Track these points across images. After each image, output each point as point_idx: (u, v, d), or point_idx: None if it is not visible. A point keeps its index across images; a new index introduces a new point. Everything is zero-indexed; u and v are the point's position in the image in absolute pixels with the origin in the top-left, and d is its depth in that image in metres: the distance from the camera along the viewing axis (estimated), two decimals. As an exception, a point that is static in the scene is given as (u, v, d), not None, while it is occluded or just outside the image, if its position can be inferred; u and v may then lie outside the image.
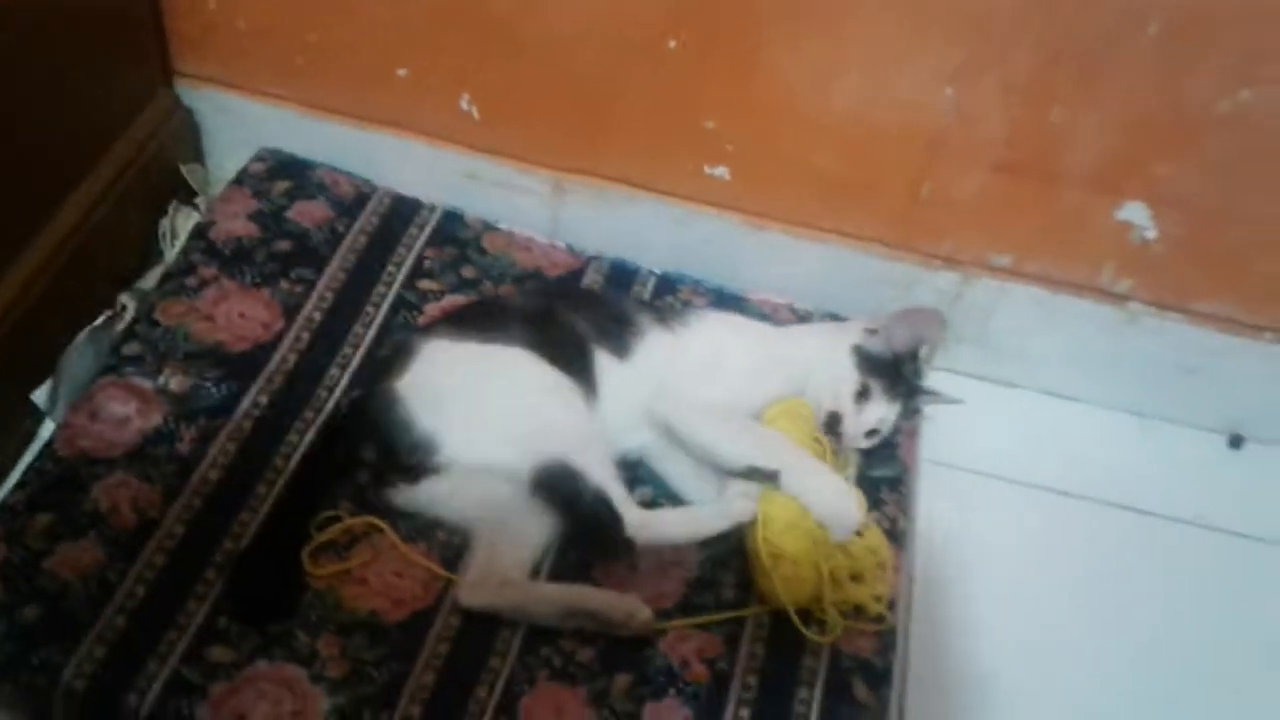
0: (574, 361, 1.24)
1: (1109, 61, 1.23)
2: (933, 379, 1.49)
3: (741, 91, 1.36)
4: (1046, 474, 1.49)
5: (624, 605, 1.13)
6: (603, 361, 1.26)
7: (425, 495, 1.18)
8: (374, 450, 1.19)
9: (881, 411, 1.28)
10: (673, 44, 1.33)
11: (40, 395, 1.30)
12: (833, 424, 1.26)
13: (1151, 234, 1.37)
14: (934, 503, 1.42)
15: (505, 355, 1.22)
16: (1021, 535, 1.43)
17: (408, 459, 1.17)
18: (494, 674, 1.10)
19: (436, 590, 1.15)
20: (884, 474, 1.33)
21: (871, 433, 1.29)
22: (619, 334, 1.27)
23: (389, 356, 1.27)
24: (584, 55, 1.37)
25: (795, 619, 1.15)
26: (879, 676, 1.15)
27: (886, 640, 1.18)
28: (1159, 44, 1.21)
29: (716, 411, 1.23)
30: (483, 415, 1.18)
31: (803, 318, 1.48)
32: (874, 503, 1.29)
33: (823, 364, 1.29)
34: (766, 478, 1.18)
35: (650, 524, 1.19)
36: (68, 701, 1.03)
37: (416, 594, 1.15)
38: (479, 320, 1.27)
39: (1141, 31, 1.20)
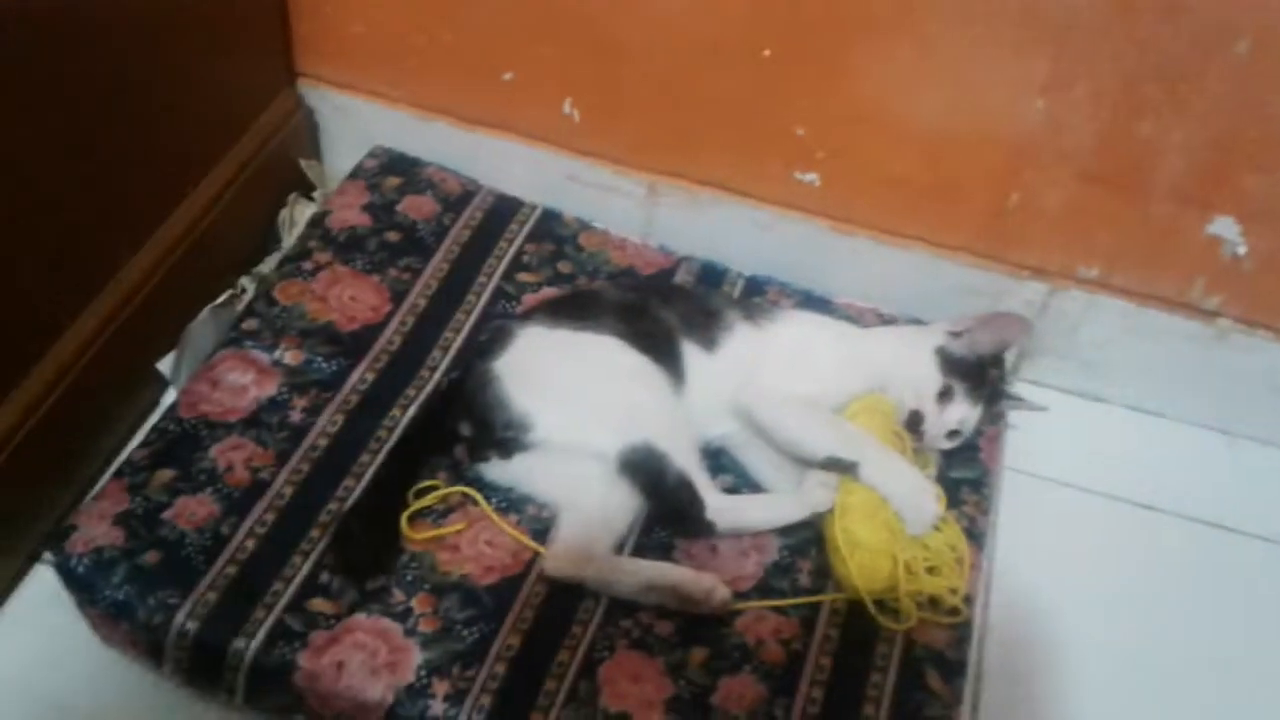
0: (663, 352, 1.29)
1: (1197, 75, 1.25)
2: (1018, 390, 1.52)
3: (831, 100, 1.40)
4: (1131, 488, 1.49)
5: (703, 583, 1.17)
6: (690, 353, 1.30)
7: (517, 470, 1.24)
8: (470, 426, 1.26)
9: (963, 413, 1.31)
10: (766, 53, 1.38)
11: (165, 364, 1.39)
12: (914, 423, 1.29)
13: (1242, 250, 1.38)
14: (1017, 510, 1.43)
15: (597, 342, 1.28)
16: (1103, 546, 1.43)
17: (502, 435, 1.23)
18: (576, 640, 1.15)
19: (525, 559, 1.20)
20: (965, 475, 1.35)
21: (953, 434, 1.32)
22: (707, 327, 1.32)
23: (487, 339, 1.33)
24: (680, 63, 1.43)
25: (870, 606, 1.18)
26: (952, 668, 1.17)
27: (961, 633, 1.20)
28: (1249, 59, 1.22)
29: (799, 404, 1.27)
30: (574, 397, 1.24)
31: (888, 323, 1.51)
32: (954, 502, 1.31)
33: (905, 364, 1.32)
34: (846, 469, 1.22)
35: (731, 509, 1.23)
36: (179, 641, 1.10)
37: (506, 562, 1.20)
38: (573, 309, 1.33)
39: (1230, 46, 1.22)
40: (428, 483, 1.24)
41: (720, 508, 1.21)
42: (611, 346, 1.28)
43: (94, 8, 1.19)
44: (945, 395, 1.30)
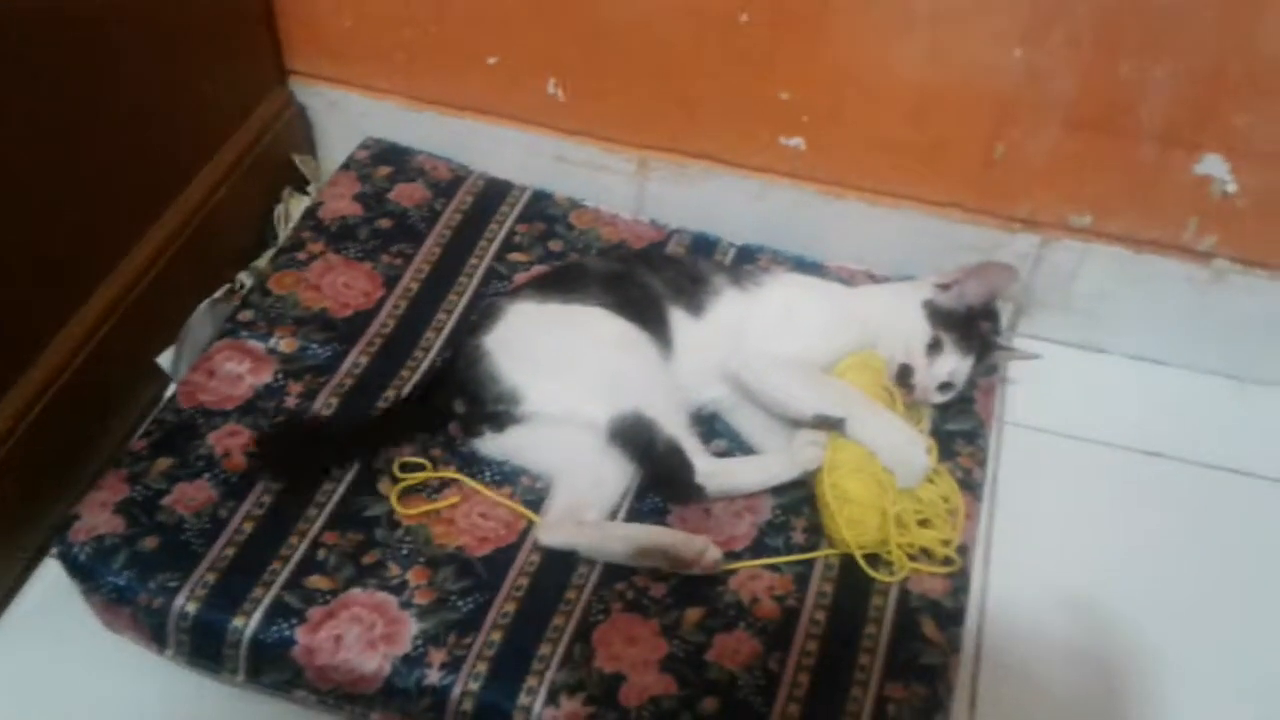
0: (650, 318, 1.29)
1: (1174, 10, 1.24)
2: (1018, 345, 1.51)
3: (812, 62, 1.40)
4: (1136, 436, 1.48)
5: (694, 544, 1.17)
6: (677, 318, 1.31)
7: (510, 443, 1.25)
8: (463, 402, 1.27)
9: (953, 364, 1.30)
10: (744, 18, 1.39)
11: (164, 359, 1.42)
12: (904, 376, 1.29)
13: (1231, 188, 1.36)
14: (1021, 464, 1.43)
15: (584, 313, 1.29)
16: (1110, 496, 1.42)
17: (493, 408, 1.24)
18: (571, 605, 1.15)
19: (519, 529, 1.21)
20: (960, 427, 1.34)
21: (945, 386, 1.31)
22: (693, 292, 1.32)
23: (478, 317, 1.34)
24: (659, 34, 1.43)
25: (861, 560, 1.18)
26: (949, 616, 1.17)
27: (958, 582, 1.20)
28: (1226, -12, 1.21)
29: (786, 365, 1.27)
30: (562, 368, 1.25)
31: (879, 283, 1.50)
32: (948, 454, 1.31)
33: (894, 319, 1.32)
34: (834, 425, 1.22)
35: (720, 472, 1.23)
36: (180, 622, 1.12)
37: (500, 533, 1.21)
38: (561, 283, 1.34)
39: (1207, -24, 1.21)
40: (415, 459, 1.25)
41: (710, 471, 1.22)
42: (598, 316, 1.28)
43: (84, 9, 1.22)
44: (934, 348, 1.29)
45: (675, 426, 1.22)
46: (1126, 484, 1.44)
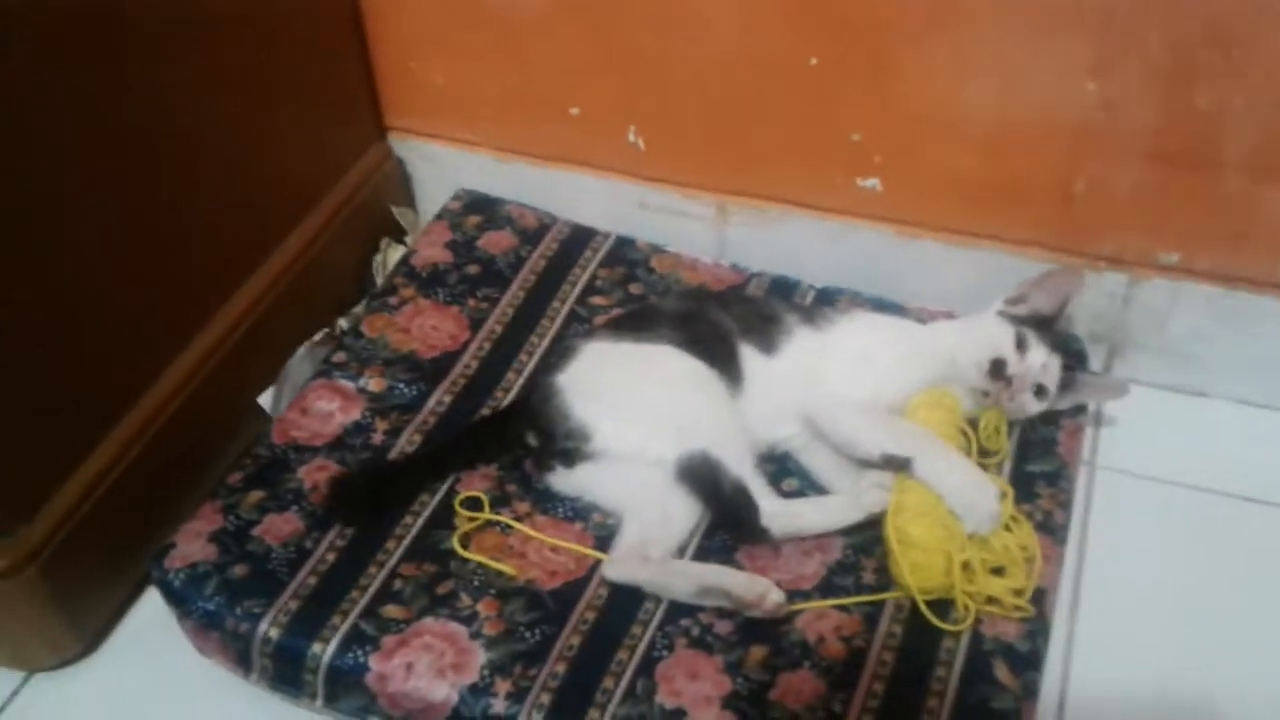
0: (720, 356, 1.31)
1: (1250, 36, 1.21)
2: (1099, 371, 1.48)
3: (881, 102, 1.41)
4: (1238, 482, 1.41)
5: (756, 587, 1.17)
6: (748, 356, 1.32)
7: (580, 479, 1.28)
8: (536, 437, 1.30)
9: (1044, 357, 1.28)
10: (813, 61, 1.41)
11: (265, 399, 1.49)
12: (998, 370, 1.27)
13: (1328, 221, 1.32)
14: (1114, 509, 1.39)
15: (655, 352, 1.31)
16: (1210, 543, 1.36)
17: (563, 445, 1.27)
18: (635, 640, 1.17)
19: (588, 564, 1.23)
20: (1041, 469, 1.31)
21: (1040, 392, 1.29)
22: (766, 331, 1.34)
23: (554, 356, 1.38)
24: (730, 80, 1.46)
25: (923, 605, 1.16)
26: (1023, 660, 1.14)
27: (1034, 626, 1.16)
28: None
29: (857, 404, 1.26)
30: (631, 406, 1.27)
31: (956, 322, 1.49)
32: (1028, 496, 1.28)
33: (971, 338, 1.31)
34: (901, 466, 1.21)
35: (785, 514, 1.24)
36: (264, 647, 1.17)
37: (570, 567, 1.23)
38: (634, 323, 1.37)
39: (1283, 2, 1.18)
40: (472, 494, 1.29)
41: (775, 513, 1.22)
42: (668, 355, 1.30)
43: (203, 81, 1.34)
44: (1021, 343, 1.28)
45: (742, 466, 1.23)
46: (1225, 531, 1.37)
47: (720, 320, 1.34)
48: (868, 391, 1.28)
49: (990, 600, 1.16)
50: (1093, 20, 1.26)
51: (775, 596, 1.16)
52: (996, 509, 1.18)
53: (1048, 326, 1.31)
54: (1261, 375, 1.47)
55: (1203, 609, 1.29)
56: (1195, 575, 1.32)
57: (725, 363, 1.31)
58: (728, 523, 1.24)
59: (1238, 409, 1.51)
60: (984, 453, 1.28)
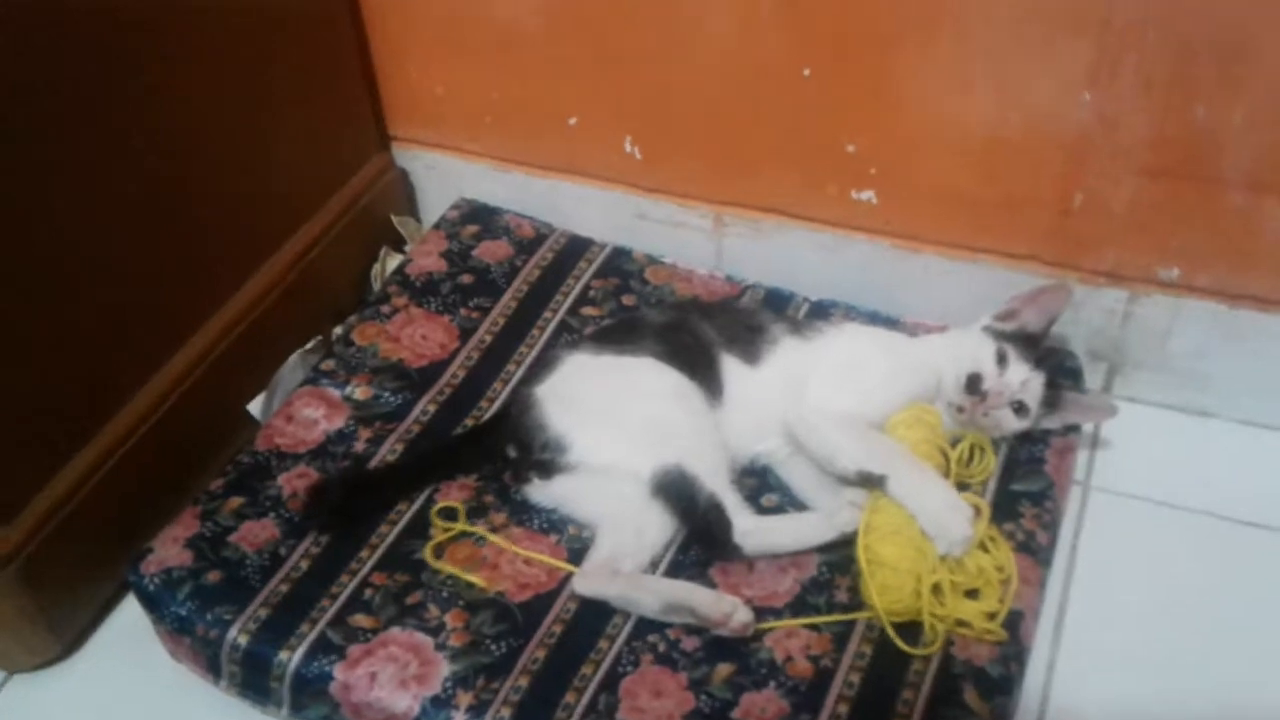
0: (700, 367, 1.29)
1: (1249, 49, 1.17)
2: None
3: (876, 114, 1.39)
4: (1237, 506, 1.37)
5: (722, 605, 1.15)
6: (730, 367, 1.30)
7: (557, 491, 1.27)
8: (515, 448, 1.30)
9: (1024, 374, 1.26)
10: (806, 72, 1.39)
11: (255, 405, 1.50)
12: (974, 385, 1.25)
13: (1332, 236, 1.27)
14: (1104, 531, 1.36)
15: (635, 364, 1.30)
16: (1203, 568, 1.32)
17: (540, 455, 1.26)
18: (601, 654, 1.15)
19: (559, 577, 1.22)
20: (1027, 488, 1.28)
21: (1020, 409, 1.26)
22: (750, 341, 1.32)
23: (537, 367, 1.37)
24: (724, 91, 1.45)
25: (890, 628, 1.13)
26: (994, 685, 1.11)
27: (1008, 650, 1.13)
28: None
29: (838, 418, 1.24)
30: (609, 419, 1.26)
31: (952, 338, 1.46)
32: (1011, 515, 1.25)
33: (955, 352, 1.29)
34: (875, 483, 1.18)
35: (758, 531, 1.21)
36: (232, 654, 1.18)
37: (541, 580, 1.22)
38: (616, 334, 1.36)
39: (1281, 14, 1.14)
40: (452, 503, 1.29)
41: (748, 530, 1.20)
42: (649, 367, 1.29)
43: (202, 84, 1.36)
44: (1002, 359, 1.25)
45: (718, 482, 1.21)
46: (1222, 556, 1.33)
47: (703, 331, 1.33)
48: (850, 404, 1.26)
49: (960, 623, 1.13)
50: (1090, 33, 1.23)
51: (742, 616, 1.14)
52: (969, 532, 1.16)
53: (1033, 344, 1.28)
54: (1267, 395, 1.42)
55: (1194, 636, 1.25)
56: (1188, 602, 1.28)
57: (706, 374, 1.29)
58: (701, 538, 1.22)
59: (1242, 430, 1.46)
60: (960, 485, 1.25)
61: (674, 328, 1.33)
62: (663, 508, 1.23)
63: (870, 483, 1.18)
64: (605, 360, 1.32)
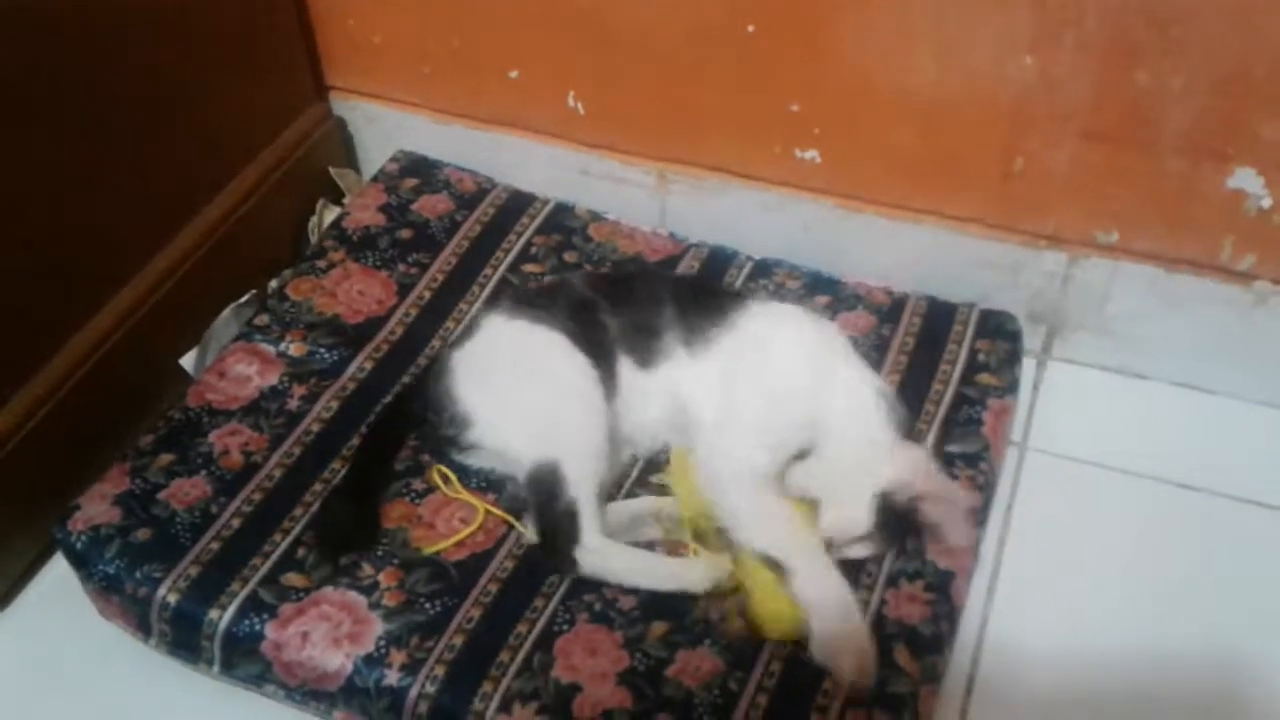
0: (602, 358, 1.26)
1: (1189, 13, 1.17)
2: (1057, 371, 1.45)
3: (818, 73, 1.38)
4: (1172, 468, 1.38)
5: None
6: (625, 366, 1.27)
7: (473, 462, 1.27)
8: (431, 414, 1.28)
9: (870, 551, 1.19)
10: (750, 29, 1.37)
11: (188, 360, 1.47)
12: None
13: (1267, 203, 1.28)
14: (1040, 491, 1.37)
15: (545, 342, 1.26)
16: (1137, 529, 1.34)
17: (448, 430, 1.25)
18: (537, 613, 1.15)
19: (497, 536, 1.22)
20: (962, 449, 1.29)
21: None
22: (646, 346, 1.27)
23: (463, 327, 1.35)
24: (667, 46, 1.43)
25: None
26: (925, 644, 1.12)
27: (938, 610, 1.15)
28: (1244, -12, 1.14)
29: (739, 478, 1.18)
30: (509, 403, 1.24)
31: (899, 300, 1.46)
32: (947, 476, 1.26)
33: (848, 457, 1.20)
34: (774, 567, 1.13)
35: (600, 552, 1.17)
36: (162, 612, 1.16)
37: (478, 538, 1.22)
38: (537, 299, 1.32)
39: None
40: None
41: (593, 548, 1.16)
42: (557, 348, 1.25)
43: (127, 24, 1.31)
44: (862, 540, 1.18)
45: (584, 491, 1.17)
46: (1154, 517, 1.35)
47: (606, 324, 1.28)
48: (744, 450, 1.19)
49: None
50: (1028, -8, 1.22)
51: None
52: (866, 665, 1.09)
53: (905, 521, 1.19)
54: (1203, 359, 1.44)
55: (1127, 596, 1.27)
56: (1122, 562, 1.30)
57: (606, 366, 1.26)
58: (544, 543, 1.19)
59: (1178, 392, 1.48)
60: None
61: (589, 308, 1.29)
62: (529, 499, 1.21)
63: (771, 565, 1.13)
64: (519, 327, 1.28)
